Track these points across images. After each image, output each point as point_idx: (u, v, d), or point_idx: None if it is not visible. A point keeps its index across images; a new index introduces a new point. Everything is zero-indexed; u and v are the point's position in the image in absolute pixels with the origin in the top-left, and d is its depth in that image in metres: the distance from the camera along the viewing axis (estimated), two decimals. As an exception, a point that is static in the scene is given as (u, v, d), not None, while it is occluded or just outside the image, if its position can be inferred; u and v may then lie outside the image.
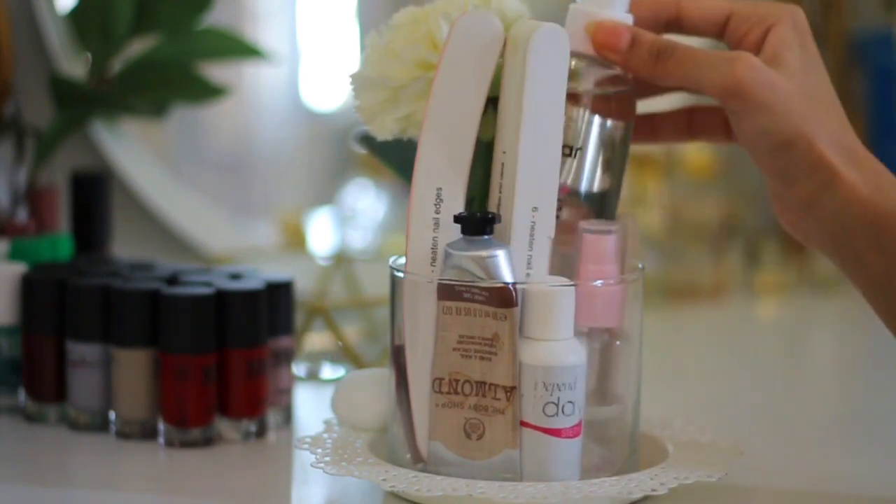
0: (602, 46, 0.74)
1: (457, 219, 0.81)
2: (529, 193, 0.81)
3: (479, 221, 0.80)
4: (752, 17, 0.74)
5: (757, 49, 0.74)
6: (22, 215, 1.20)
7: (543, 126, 0.80)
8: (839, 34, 1.93)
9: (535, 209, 0.81)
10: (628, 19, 0.74)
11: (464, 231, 0.81)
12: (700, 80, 0.72)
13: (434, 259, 0.82)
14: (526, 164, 0.80)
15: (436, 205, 0.82)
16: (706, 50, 0.73)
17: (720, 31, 0.76)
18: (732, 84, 0.71)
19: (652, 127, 0.85)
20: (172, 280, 1.02)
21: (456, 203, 0.82)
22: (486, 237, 0.81)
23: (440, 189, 0.82)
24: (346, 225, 1.61)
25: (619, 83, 0.80)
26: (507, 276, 0.80)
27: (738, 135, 0.75)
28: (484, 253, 0.80)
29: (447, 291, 0.80)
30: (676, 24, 0.76)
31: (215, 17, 1.35)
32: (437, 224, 0.82)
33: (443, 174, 0.82)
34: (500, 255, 0.80)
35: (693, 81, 0.73)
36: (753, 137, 0.74)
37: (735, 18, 0.75)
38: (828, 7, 1.92)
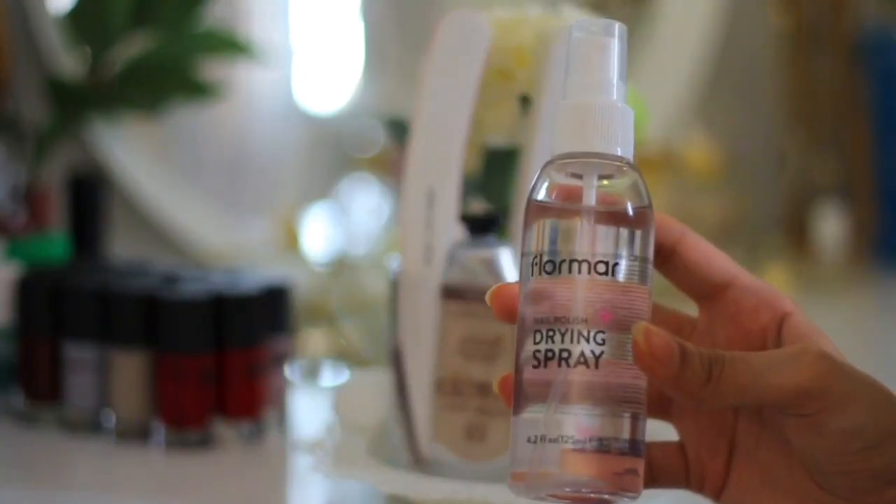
0: (652, 366, 0.57)
1: (462, 219, 0.80)
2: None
3: (484, 222, 0.80)
4: (761, 294, 0.63)
5: (767, 334, 0.63)
6: (19, 215, 1.20)
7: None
8: (843, 36, 1.92)
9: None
10: (627, 111, 0.59)
11: (469, 231, 0.80)
12: (763, 387, 0.58)
13: (429, 259, 0.81)
14: (540, 163, 0.80)
15: (428, 205, 0.81)
16: (758, 353, 0.60)
17: (712, 291, 0.64)
18: (808, 384, 0.58)
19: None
20: (170, 281, 1.01)
21: (448, 203, 0.82)
22: (490, 237, 0.80)
23: (432, 189, 0.82)
24: (347, 224, 1.61)
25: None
26: (512, 278, 0.79)
27: (815, 439, 0.60)
28: (489, 254, 0.79)
29: (450, 292, 0.80)
30: (667, 260, 0.63)
31: (213, 17, 1.35)
32: (429, 224, 0.82)
33: (434, 174, 0.82)
34: (505, 256, 0.79)
35: (753, 392, 0.59)
36: (841, 439, 0.60)
37: (738, 289, 0.64)
38: (832, 9, 1.92)
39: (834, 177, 1.94)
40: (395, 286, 0.84)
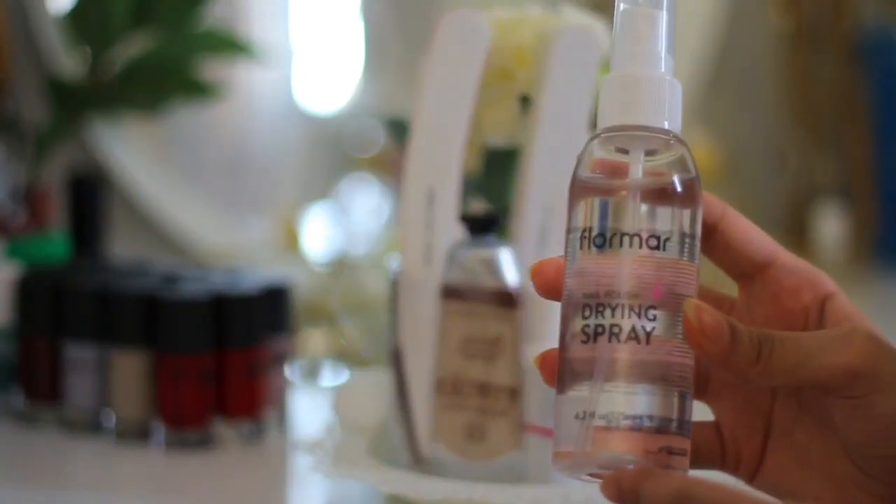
0: (702, 343, 0.56)
1: (462, 219, 0.80)
2: (541, 194, 0.80)
3: (484, 222, 0.80)
4: (803, 274, 0.63)
5: (809, 314, 0.63)
6: (19, 215, 1.20)
7: (562, 126, 0.80)
8: (843, 36, 1.92)
9: (548, 210, 0.81)
10: (676, 85, 0.58)
11: (469, 231, 0.80)
12: (813, 368, 0.58)
13: (429, 259, 0.81)
14: (540, 164, 0.80)
15: (428, 205, 0.81)
16: (807, 333, 0.60)
17: (753, 270, 0.63)
18: (859, 364, 0.58)
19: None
20: (170, 281, 1.01)
21: (448, 203, 0.82)
22: (491, 237, 0.80)
23: (432, 189, 0.82)
24: (347, 224, 1.61)
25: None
26: (512, 278, 0.79)
27: (863, 422, 0.60)
28: (489, 254, 0.79)
29: (450, 292, 0.80)
30: (708, 238, 0.62)
31: (213, 17, 1.35)
32: (429, 224, 0.82)
33: (434, 174, 0.82)
34: (505, 256, 0.79)
35: (802, 372, 0.59)
36: (889, 422, 0.59)
37: (779, 268, 0.63)
38: (832, 9, 1.92)
39: (834, 177, 1.94)
40: (395, 286, 0.84)
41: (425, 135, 0.82)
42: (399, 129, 0.95)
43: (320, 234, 1.59)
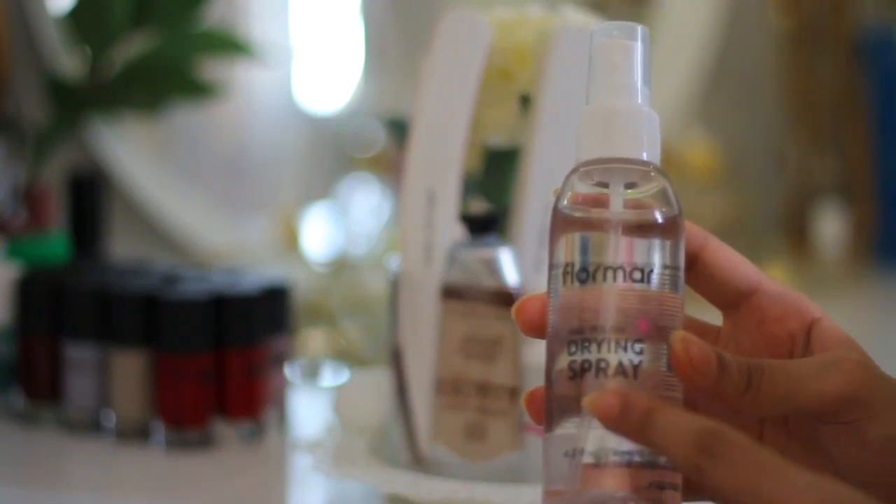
0: (691, 376, 0.56)
1: (462, 219, 0.80)
2: (541, 194, 0.80)
3: (484, 222, 0.80)
4: (788, 300, 0.62)
5: (796, 340, 0.62)
6: (19, 215, 1.20)
7: (562, 126, 0.80)
8: (843, 36, 1.92)
9: (548, 210, 0.81)
10: (653, 116, 0.57)
11: (469, 231, 0.80)
12: (804, 395, 0.58)
13: (429, 259, 0.81)
14: (540, 164, 0.80)
15: (428, 205, 0.81)
16: (796, 360, 0.60)
17: (737, 298, 0.62)
18: (850, 391, 0.58)
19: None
20: (170, 281, 1.01)
21: (448, 203, 0.81)
22: (491, 237, 0.80)
23: (432, 189, 0.81)
24: (347, 224, 1.61)
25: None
26: (512, 277, 0.79)
27: (856, 448, 0.60)
28: (489, 254, 0.79)
29: (450, 292, 0.80)
30: (690, 268, 0.61)
31: (213, 17, 1.35)
32: (429, 224, 0.81)
33: (434, 174, 0.82)
34: (505, 256, 0.79)
35: (793, 401, 0.58)
36: (883, 447, 0.59)
37: (764, 295, 0.62)
38: (832, 9, 1.92)
39: (834, 177, 1.94)
40: (395, 286, 0.84)
41: (425, 135, 0.81)
42: (399, 129, 0.95)
43: (320, 234, 1.59)
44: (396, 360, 0.83)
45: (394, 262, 0.84)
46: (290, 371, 1.04)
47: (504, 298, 0.79)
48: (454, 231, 0.82)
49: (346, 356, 1.20)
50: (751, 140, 1.95)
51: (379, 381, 0.88)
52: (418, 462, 0.82)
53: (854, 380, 0.58)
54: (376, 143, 1.65)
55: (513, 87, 0.84)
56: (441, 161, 0.81)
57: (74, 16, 1.28)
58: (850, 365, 0.58)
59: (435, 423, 0.81)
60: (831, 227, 1.86)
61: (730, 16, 1.90)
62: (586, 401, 0.53)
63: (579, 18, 0.85)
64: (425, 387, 0.81)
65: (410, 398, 0.82)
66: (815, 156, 1.94)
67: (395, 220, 1.51)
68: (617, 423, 0.53)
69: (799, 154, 1.94)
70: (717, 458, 0.52)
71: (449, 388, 0.80)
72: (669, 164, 1.69)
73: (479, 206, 0.87)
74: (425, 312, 0.81)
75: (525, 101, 0.84)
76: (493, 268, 0.80)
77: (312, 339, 1.24)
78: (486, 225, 0.80)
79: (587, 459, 0.54)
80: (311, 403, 1.11)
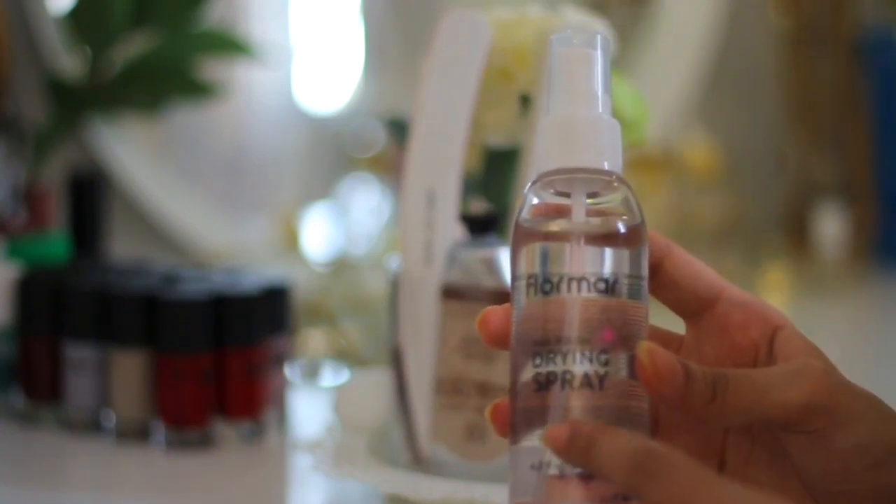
0: (657, 387, 0.55)
1: (462, 219, 0.80)
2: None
3: (484, 221, 0.80)
4: (751, 308, 0.62)
5: (759, 348, 0.62)
6: (19, 215, 1.20)
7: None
8: (843, 36, 1.92)
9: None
10: (614, 125, 0.56)
11: (469, 231, 0.80)
12: (768, 404, 0.57)
13: (429, 259, 0.81)
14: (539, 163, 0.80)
15: (428, 205, 0.81)
16: (761, 370, 0.59)
17: (700, 306, 0.62)
18: (815, 399, 0.57)
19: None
20: (170, 281, 1.01)
21: (448, 203, 0.81)
22: (491, 237, 0.80)
23: (432, 189, 0.81)
24: (347, 224, 1.61)
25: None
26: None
27: (821, 456, 0.59)
28: (489, 253, 0.79)
29: (450, 292, 0.80)
30: (653, 277, 0.60)
31: (213, 17, 1.35)
32: (429, 224, 0.81)
33: (434, 174, 0.82)
34: (505, 256, 0.79)
35: (758, 410, 0.57)
36: (847, 456, 0.59)
37: (727, 303, 0.62)
38: (832, 9, 1.92)
39: (834, 177, 1.94)
40: (395, 286, 0.84)
41: (425, 135, 0.81)
42: (399, 129, 0.95)
43: (320, 234, 1.59)
44: (396, 360, 0.83)
45: (394, 262, 0.84)
46: (290, 371, 1.04)
47: (504, 298, 0.78)
48: (454, 231, 0.82)
49: (346, 356, 1.20)
50: (751, 140, 1.96)
51: (379, 381, 0.88)
52: (418, 462, 0.82)
53: (819, 388, 0.58)
54: (376, 143, 1.65)
55: (513, 87, 0.84)
56: (441, 161, 0.81)
57: (74, 16, 1.28)
58: (814, 374, 0.58)
59: (435, 423, 0.81)
60: (831, 227, 1.86)
61: (730, 16, 1.90)
62: (542, 437, 0.53)
63: (579, 18, 0.85)
64: (425, 387, 0.81)
65: (410, 398, 0.82)
66: (815, 156, 1.94)
67: (395, 220, 1.51)
68: (566, 452, 0.53)
69: (799, 154, 1.94)
70: (653, 478, 0.52)
71: (449, 388, 0.80)
72: (669, 164, 1.69)
73: (479, 206, 0.87)
74: (425, 312, 0.81)
75: (525, 101, 0.84)
76: (493, 268, 0.80)
77: (312, 339, 1.24)
78: (486, 225, 0.80)
79: (553, 471, 0.53)
80: (311, 403, 1.11)
